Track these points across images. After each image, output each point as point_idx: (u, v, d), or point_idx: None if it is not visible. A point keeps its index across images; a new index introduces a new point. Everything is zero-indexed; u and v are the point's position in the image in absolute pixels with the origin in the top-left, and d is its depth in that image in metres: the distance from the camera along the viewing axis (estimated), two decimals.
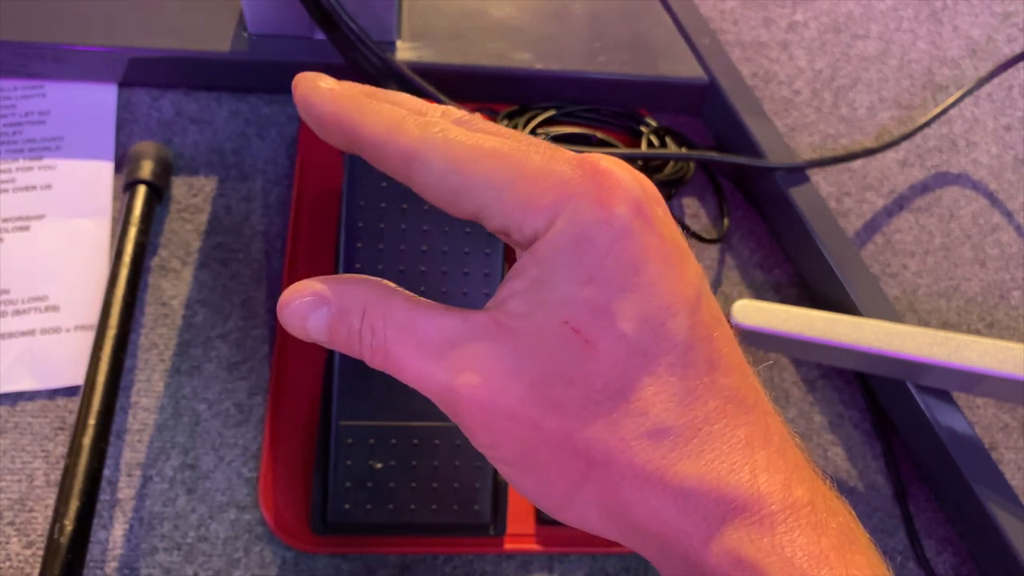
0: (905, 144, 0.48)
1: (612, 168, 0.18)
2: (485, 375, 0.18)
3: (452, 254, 0.36)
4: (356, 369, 0.34)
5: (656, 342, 0.18)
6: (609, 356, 0.17)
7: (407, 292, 0.20)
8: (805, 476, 0.18)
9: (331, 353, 0.35)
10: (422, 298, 0.19)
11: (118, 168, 0.42)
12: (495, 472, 0.34)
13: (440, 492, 0.33)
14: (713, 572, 0.17)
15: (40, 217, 0.40)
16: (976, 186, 0.48)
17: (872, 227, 0.46)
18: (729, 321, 0.36)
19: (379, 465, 0.33)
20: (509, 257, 0.41)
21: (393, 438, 0.33)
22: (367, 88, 0.20)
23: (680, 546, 0.18)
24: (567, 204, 0.18)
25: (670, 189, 0.42)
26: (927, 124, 0.46)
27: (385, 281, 0.20)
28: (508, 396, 0.18)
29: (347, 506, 0.33)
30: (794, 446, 0.19)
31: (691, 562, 0.18)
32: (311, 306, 0.19)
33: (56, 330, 0.38)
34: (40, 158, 0.42)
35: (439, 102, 0.39)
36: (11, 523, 0.34)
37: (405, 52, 0.43)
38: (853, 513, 0.19)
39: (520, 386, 0.18)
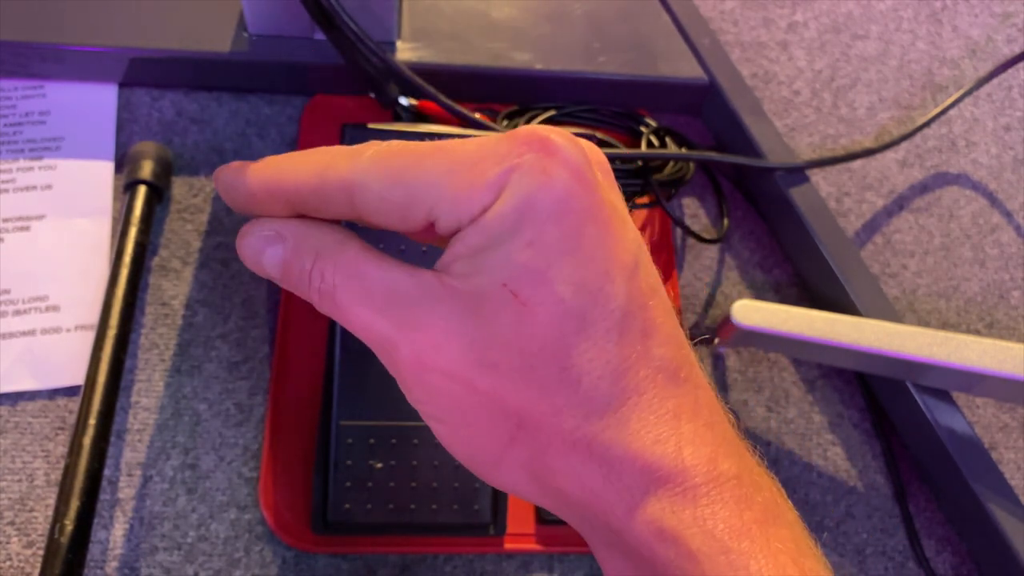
0: (905, 144, 0.48)
1: (551, 136, 0.18)
2: (425, 331, 0.18)
3: None
4: (357, 369, 0.34)
5: (593, 307, 0.18)
6: (545, 320, 0.18)
7: (363, 242, 0.19)
8: (733, 451, 0.18)
9: (331, 353, 0.35)
10: (376, 249, 0.19)
11: (118, 168, 0.42)
12: None
13: (440, 492, 0.33)
14: (635, 541, 0.17)
15: (40, 217, 0.40)
16: (976, 186, 0.48)
17: (872, 227, 0.46)
18: (729, 321, 0.37)
19: (379, 465, 0.33)
20: None
21: (393, 438, 0.33)
22: (284, 154, 0.20)
23: (604, 515, 0.18)
24: (510, 176, 0.18)
25: (670, 189, 0.42)
26: (927, 124, 0.46)
27: (345, 228, 0.20)
28: (445, 354, 0.18)
29: (347, 506, 0.33)
30: (724, 420, 0.19)
31: (614, 531, 0.18)
32: (269, 240, 0.19)
33: (56, 330, 0.38)
34: (40, 158, 0.42)
35: (438, 103, 0.39)
36: (11, 523, 0.34)
37: (405, 52, 0.43)
38: (782, 490, 0.19)
39: (458, 345, 0.18)
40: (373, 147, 0.19)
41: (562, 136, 0.18)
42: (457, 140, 0.19)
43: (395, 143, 0.19)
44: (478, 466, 0.19)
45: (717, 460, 0.18)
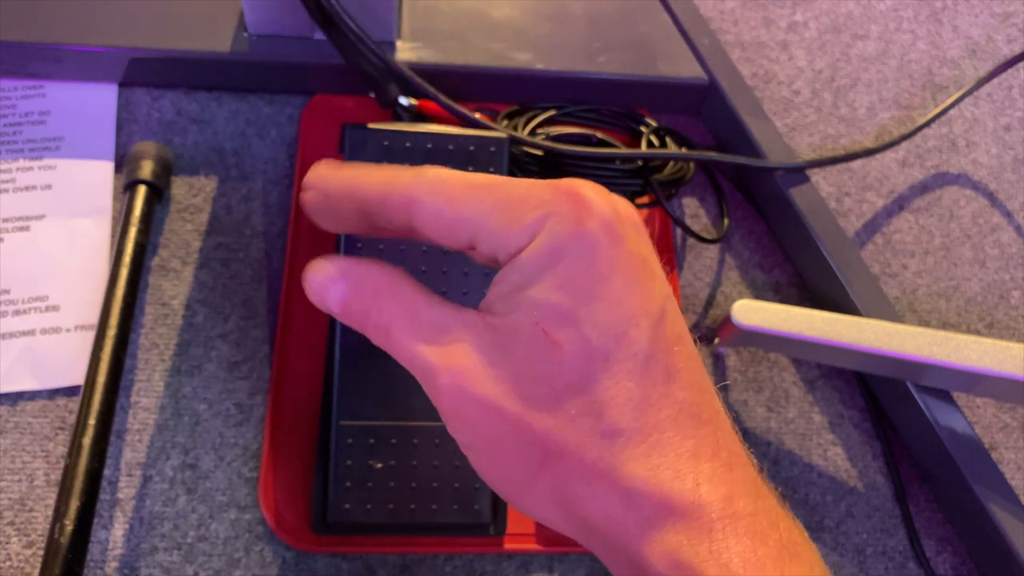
0: (905, 144, 0.48)
1: (586, 192, 0.20)
2: (465, 364, 0.20)
3: (453, 254, 0.36)
4: (356, 369, 0.34)
5: (617, 348, 0.19)
6: (572, 357, 0.19)
7: (415, 281, 0.22)
8: (750, 490, 0.19)
9: (331, 353, 0.35)
10: (427, 289, 0.22)
11: (118, 168, 0.42)
12: None
13: (440, 492, 0.33)
14: (653, 571, 0.18)
15: (40, 217, 0.40)
16: (976, 186, 0.48)
17: (872, 227, 0.46)
18: (729, 321, 0.37)
19: (379, 465, 0.33)
20: None
21: (393, 438, 0.33)
22: (358, 163, 0.23)
23: (624, 544, 0.18)
24: (546, 221, 0.20)
25: (670, 189, 0.42)
26: (927, 124, 0.46)
27: (399, 269, 0.22)
28: (482, 386, 0.19)
29: (347, 506, 0.33)
30: (746, 463, 0.20)
31: (634, 561, 0.19)
32: (333, 280, 0.22)
33: (56, 330, 0.38)
34: (40, 158, 0.42)
35: (438, 103, 0.39)
36: (11, 523, 0.34)
37: (405, 52, 0.43)
38: (803, 531, 0.20)
39: (493, 378, 0.19)
40: (433, 171, 0.21)
41: (597, 193, 0.20)
42: (508, 180, 0.21)
43: (455, 172, 0.21)
44: (508, 492, 0.20)
45: (734, 498, 0.18)
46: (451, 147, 0.35)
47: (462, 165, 0.35)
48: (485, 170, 0.35)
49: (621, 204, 0.21)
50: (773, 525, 0.19)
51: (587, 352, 0.19)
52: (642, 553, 0.18)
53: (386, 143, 0.35)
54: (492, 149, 0.35)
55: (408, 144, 0.35)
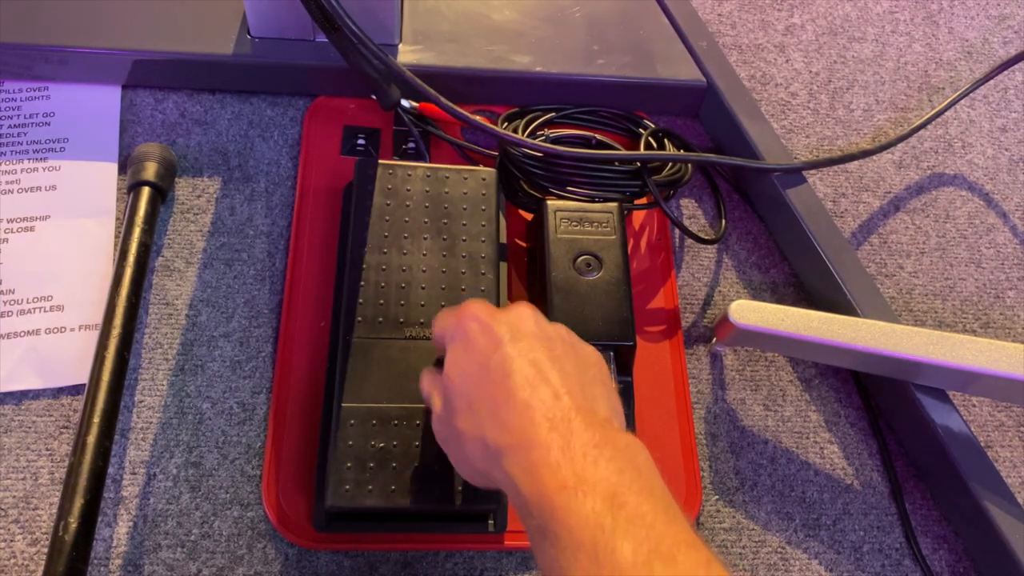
0: (901, 146, 0.48)
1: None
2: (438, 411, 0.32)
3: (452, 257, 0.36)
4: (360, 353, 0.34)
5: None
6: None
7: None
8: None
9: (335, 339, 0.35)
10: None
11: (122, 169, 0.42)
12: None
13: (442, 476, 0.33)
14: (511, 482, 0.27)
15: (45, 218, 0.41)
16: (971, 187, 0.48)
17: (868, 228, 0.46)
18: (726, 321, 0.37)
19: (381, 444, 0.33)
20: (510, 264, 0.42)
21: (395, 419, 0.33)
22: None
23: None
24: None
25: (668, 190, 0.43)
26: (923, 126, 0.47)
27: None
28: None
29: (347, 488, 0.32)
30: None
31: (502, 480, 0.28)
32: (425, 376, 0.33)
33: (61, 329, 0.38)
34: (45, 159, 0.42)
35: (439, 105, 0.39)
36: (16, 521, 0.35)
37: (406, 55, 0.43)
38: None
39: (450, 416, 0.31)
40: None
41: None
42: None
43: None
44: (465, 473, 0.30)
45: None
46: (447, 176, 0.39)
47: (457, 191, 0.39)
48: (478, 195, 0.39)
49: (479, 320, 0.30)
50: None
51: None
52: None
53: (391, 173, 0.39)
54: (483, 179, 0.40)
55: (410, 174, 0.39)
